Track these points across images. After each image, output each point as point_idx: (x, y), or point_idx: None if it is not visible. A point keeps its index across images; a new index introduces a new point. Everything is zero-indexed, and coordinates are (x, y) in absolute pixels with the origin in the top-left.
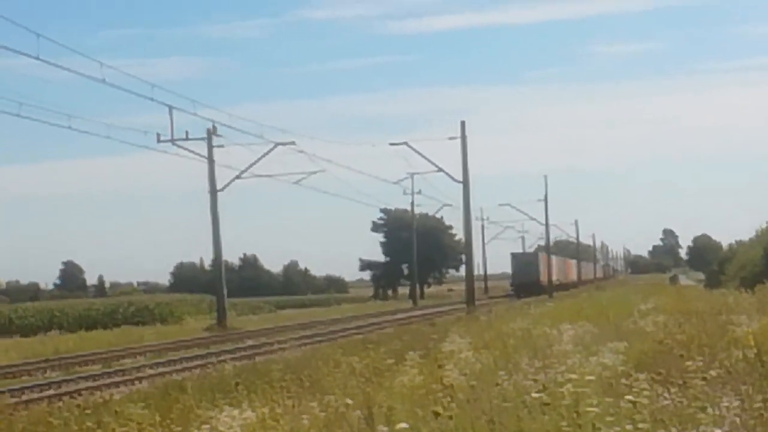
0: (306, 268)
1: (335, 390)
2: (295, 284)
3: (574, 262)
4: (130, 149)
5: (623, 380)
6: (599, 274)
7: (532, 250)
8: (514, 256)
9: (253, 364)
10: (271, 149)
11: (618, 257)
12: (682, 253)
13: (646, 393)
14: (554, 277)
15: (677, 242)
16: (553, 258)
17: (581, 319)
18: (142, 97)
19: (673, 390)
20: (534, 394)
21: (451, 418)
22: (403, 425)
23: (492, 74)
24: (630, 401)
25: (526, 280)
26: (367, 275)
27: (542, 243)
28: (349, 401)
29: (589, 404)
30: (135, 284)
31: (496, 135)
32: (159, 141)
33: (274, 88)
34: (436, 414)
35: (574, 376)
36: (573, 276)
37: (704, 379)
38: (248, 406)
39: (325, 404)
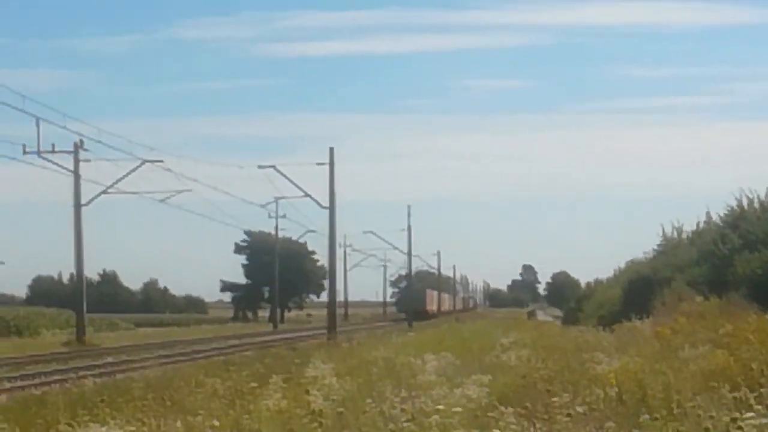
0: (166, 287)
1: (199, 411)
2: (153, 302)
3: (436, 293)
4: None
5: (490, 413)
6: (458, 306)
7: (393, 279)
8: (406, 289)
9: (114, 381)
10: (139, 166)
11: (477, 290)
12: (541, 288)
13: (513, 427)
14: (433, 308)
15: (536, 278)
16: (434, 292)
17: (443, 350)
18: (9, 107)
19: (538, 425)
20: (403, 424)
21: None
22: None
23: (362, 102)
24: None
25: (416, 309)
26: (227, 297)
27: (404, 272)
28: (216, 423)
29: None
30: None
31: (364, 162)
32: (25, 153)
33: (143, 105)
34: None
35: (441, 407)
36: (442, 306)
37: (569, 415)
38: (115, 424)
39: (190, 425)
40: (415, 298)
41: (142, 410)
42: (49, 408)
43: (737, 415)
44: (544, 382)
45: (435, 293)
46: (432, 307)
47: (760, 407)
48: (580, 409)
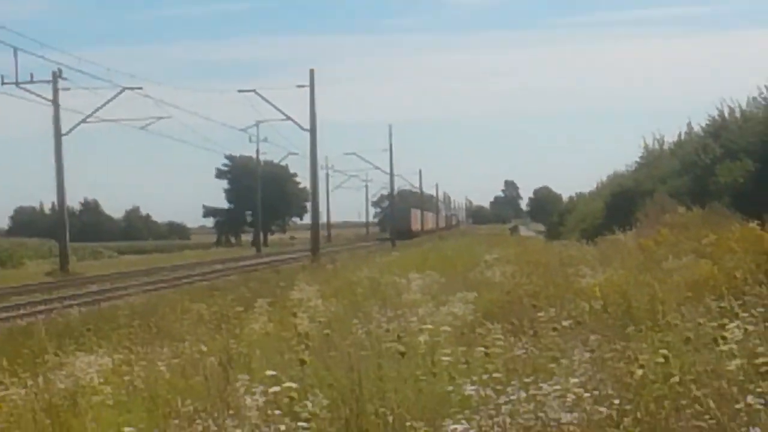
0: (148, 214)
1: (186, 337)
2: (136, 230)
3: (420, 212)
4: None
5: (478, 330)
6: (441, 224)
7: (375, 199)
8: (389, 208)
9: (99, 309)
10: (118, 93)
11: (460, 207)
12: (523, 204)
13: (500, 343)
14: (417, 227)
15: (518, 194)
16: (417, 211)
17: (427, 268)
18: None
19: (525, 340)
20: (389, 343)
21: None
22: (270, 372)
23: (343, 23)
24: (483, 351)
25: (402, 228)
26: (210, 222)
27: (386, 192)
28: (204, 348)
29: (444, 353)
30: None
31: (345, 84)
32: (2, 83)
33: (122, 32)
34: (302, 362)
35: (429, 327)
36: (425, 225)
37: (555, 329)
38: (103, 352)
39: (179, 351)
40: (399, 218)
41: (129, 338)
42: (35, 338)
43: (725, 322)
44: (530, 298)
45: (418, 212)
46: (416, 226)
47: (746, 315)
48: (566, 323)
